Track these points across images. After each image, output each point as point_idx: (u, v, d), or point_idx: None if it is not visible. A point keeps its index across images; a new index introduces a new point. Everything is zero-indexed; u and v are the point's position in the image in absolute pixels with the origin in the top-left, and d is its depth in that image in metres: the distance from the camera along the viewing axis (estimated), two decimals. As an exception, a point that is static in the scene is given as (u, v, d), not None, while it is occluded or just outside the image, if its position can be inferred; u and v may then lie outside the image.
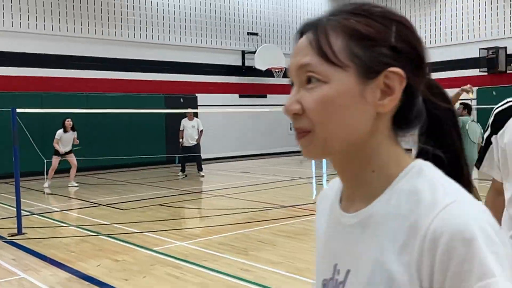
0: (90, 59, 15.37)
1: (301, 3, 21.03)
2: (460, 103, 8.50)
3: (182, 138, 13.19)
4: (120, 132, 15.38)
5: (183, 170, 13.37)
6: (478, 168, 2.11)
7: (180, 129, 13.32)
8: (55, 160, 11.44)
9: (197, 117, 14.05)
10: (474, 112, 17.36)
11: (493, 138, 1.97)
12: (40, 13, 14.49)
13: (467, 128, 7.85)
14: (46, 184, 11.26)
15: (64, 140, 11.56)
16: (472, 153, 7.87)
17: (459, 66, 18.87)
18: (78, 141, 11.69)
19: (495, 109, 1.98)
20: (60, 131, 11.52)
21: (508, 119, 1.90)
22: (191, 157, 13.26)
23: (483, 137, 2.14)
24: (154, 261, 5.48)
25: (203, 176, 13.15)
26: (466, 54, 18.60)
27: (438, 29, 19.58)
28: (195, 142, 13.18)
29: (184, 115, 13.51)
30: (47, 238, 6.70)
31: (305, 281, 4.71)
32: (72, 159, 11.77)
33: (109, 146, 14.89)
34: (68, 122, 11.52)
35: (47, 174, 11.44)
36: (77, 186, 11.71)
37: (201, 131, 13.34)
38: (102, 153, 14.02)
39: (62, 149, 11.52)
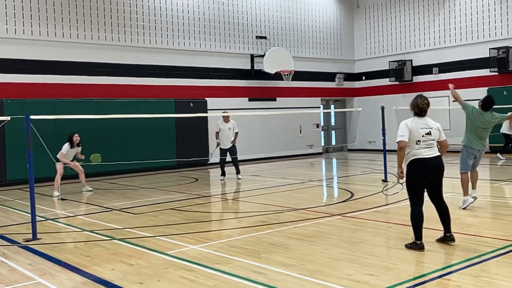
0: (100, 65, 15.54)
1: (310, 6, 21.08)
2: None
3: (218, 138, 13.33)
4: (131, 137, 15.51)
5: (224, 174, 13.47)
6: None
7: (216, 130, 13.47)
8: (60, 166, 11.47)
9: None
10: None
11: None
12: (51, 20, 14.68)
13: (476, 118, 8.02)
14: (56, 193, 11.18)
15: (69, 155, 11.61)
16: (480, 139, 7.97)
17: (469, 66, 18.80)
18: (83, 156, 11.73)
19: None
20: (67, 146, 11.49)
21: None
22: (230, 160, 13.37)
23: None
24: (167, 264, 5.54)
25: (240, 179, 13.23)
26: (476, 54, 18.53)
27: (448, 29, 19.53)
28: (231, 144, 13.27)
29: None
30: (62, 243, 6.80)
31: (317, 283, 4.75)
32: (77, 166, 11.80)
33: (121, 151, 15.03)
34: (76, 138, 11.52)
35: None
36: (91, 190, 11.81)
37: (237, 133, 13.43)
38: (114, 159, 14.14)
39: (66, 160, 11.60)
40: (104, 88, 15.55)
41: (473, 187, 8.34)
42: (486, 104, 8.21)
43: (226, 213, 9.28)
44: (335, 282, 4.74)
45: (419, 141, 5.76)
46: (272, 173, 15.04)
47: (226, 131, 13.26)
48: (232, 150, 13.32)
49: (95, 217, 8.85)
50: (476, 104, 8.59)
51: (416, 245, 5.73)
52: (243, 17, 19.03)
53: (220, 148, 13.38)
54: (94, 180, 13.86)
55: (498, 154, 16.10)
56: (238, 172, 13.46)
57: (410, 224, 5.86)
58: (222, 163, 13.50)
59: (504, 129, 15.79)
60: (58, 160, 11.47)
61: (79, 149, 11.71)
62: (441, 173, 5.86)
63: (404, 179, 5.83)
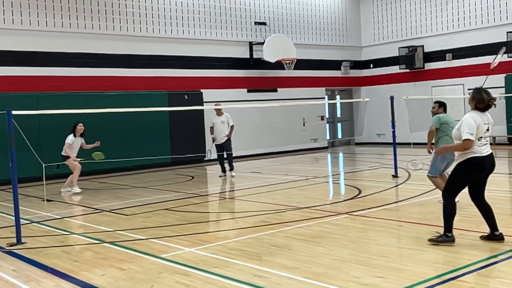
0: (87, 55, 15.53)
1: (312, -11, 21.01)
2: (435, 102, 8.82)
3: (213, 134, 13.44)
4: (121, 133, 15.51)
5: (223, 170, 13.61)
6: None
7: (210, 126, 13.66)
8: (73, 161, 11.62)
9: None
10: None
11: None
12: (33, 8, 14.66)
13: (449, 122, 8.25)
14: (76, 189, 11.55)
15: (74, 146, 11.72)
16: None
17: (485, 51, 18.74)
18: (90, 146, 11.87)
19: None
20: (71, 136, 11.68)
21: None
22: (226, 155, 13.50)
23: None
24: (162, 269, 5.55)
25: (233, 176, 13.34)
26: (493, 38, 18.48)
27: (461, 12, 19.48)
28: (226, 138, 13.34)
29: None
30: (48, 247, 6.81)
31: (323, 286, 4.76)
32: (76, 165, 11.85)
33: (111, 148, 15.00)
34: (80, 127, 11.69)
35: (45, 180, 11.50)
36: (78, 191, 11.77)
37: (232, 126, 13.49)
38: (104, 156, 14.13)
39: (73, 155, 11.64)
40: (92, 80, 15.54)
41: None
42: (445, 105, 8.67)
43: (224, 213, 9.29)
44: (342, 285, 4.75)
45: (481, 137, 5.78)
46: (273, 169, 15.05)
47: (219, 125, 13.35)
48: (227, 145, 13.39)
49: (84, 219, 8.87)
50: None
51: (448, 237, 5.86)
52: (241, 2, 18.99)
53: (215, 144, 13.47)
54: (82, 179, 13.87)
55: None
56: (231, 169, 13.55)
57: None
58: (220, 159, 13.61)
59: None
60: (65, 158, 11.60)
61: (83, 139, 11.88)
62: (492, 171, 6.01)
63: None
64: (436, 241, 5.91)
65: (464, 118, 5.79)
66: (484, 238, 6.04)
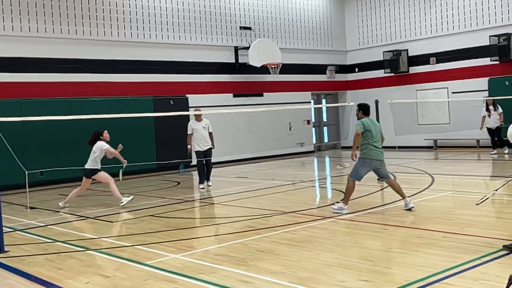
0: (71, 61, 15.45)
1: (297, -6, 21.13)
2: (357, 106, 8.84)
3: (190, 144, 12.56)
4: (106, 139, 15.39)
5: (202, 181, 12.64)
6: None
7: (188, 133, 12.60)
8: (104, 173, 10.48)
9: (187, 120, 13.89)
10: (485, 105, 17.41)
11: None
12: (15, 13, 14.56)
13: (370, 127, 8.30)
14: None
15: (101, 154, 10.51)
16: (380, 148, 8.32)
17: (469, 55, 19.00)
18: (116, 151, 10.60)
19: None
20: (103, 142, 10.47)
21: None
22: (207, 164, 12.63)
23: None
24: (147, 275, 5.54)
25: (210, 186, 12.67)
26: (476, 42, 18.73)
27: (445, 16, 19.70)
28: (209, 146, 12.57)
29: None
30: (32, 256, 6.75)
31: (308, 291, 4.78)
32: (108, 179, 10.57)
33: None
34: (107, 135, 10.64)
35: (28, 187, 11.39)
36: (131, 198, 10.63)
37: (211, 133, 12.71)
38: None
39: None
40: (76, 86, 15.45)
41: (403, 197, 8.44)
42: (367, 108, 8.63)
43: (210, 218, 9.29)
44: (327, 289, 4.77)
45: None
46: (260, 174, 15.06)
47: (201, 130, 12.50)
48: (210, 152, 12.64)
49: (68, 226, 8.80)
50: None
51: None
52: (226, 7, 19.03)
53: (197, 151, 12.49)
54: (65, 186, 13.77)
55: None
56: (208, 179, 12.77)
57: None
58: (201, 169, 12.59)
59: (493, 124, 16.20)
60: (94, 171, 10.33)
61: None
62: None
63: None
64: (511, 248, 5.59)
65: None
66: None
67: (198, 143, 12.52)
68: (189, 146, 12.63)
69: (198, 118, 12.63)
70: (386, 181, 8.56)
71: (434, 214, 7.98)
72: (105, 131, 10.76)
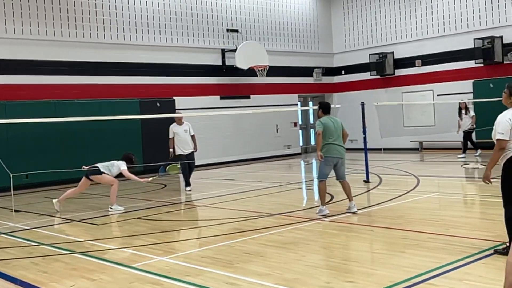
0: (56, 63, 15.35)
1: (283, -4, 21.20)
2: (318, 103, 8.98)
3: (173, 147, 12.51)
4: (92, 142, 15.33)
5: (188, 184, 12.62)
6: None
7: (170, 136, 12.55)
8: (86, 183, 10.33)
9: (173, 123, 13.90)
10: (471, 107, 17.64)
11: None
12: (0, 15, 14.43)
13: (329, 125, 8.44)
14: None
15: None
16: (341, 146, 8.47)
17: (454, 58, 19.18)
18: (132, 176, 10.30)
19: None
20: (126, 164, 10.37)
21: None
22: (190, 167, 12.57)
23: None
24: (133, 278, 5.52)
25: (190, 191, 12.50)
26: (460, 45, 18.92)
27: (430, 19, 19.88)
28: (191, 149, 12.54)
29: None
30: (16, 259, 6.70)
31: (294, 292, 4.80)
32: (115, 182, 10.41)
33: (81, 157, 14.83)
34: (135, 160, 10.69)
35: (13, 190, 11.31)
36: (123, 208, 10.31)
37: (193, 136, 12.70)
38: (73, 165, 13.96)
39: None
40: (61, 88, 15.35)
41: (350, 199, 8.54)
42: (327, 107, 8.79)
43: (196, 221, 9.28)
44: (313, 291, 4.80)
45: None
46: (247, 176, 15.08)
47: (183, 134, 12.47)
48: (192, 155, 12.59)
49: (53, 229, 8.75)
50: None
51: None
52: (213, 9, 19.04)
53: (179, 155, 12.40)
54: (50, 189, 13.68)
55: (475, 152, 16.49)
56: (188, 184, 12.61)
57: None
58: (185, 172, 12.55)
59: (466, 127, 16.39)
60: (99, 172, 10.16)
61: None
62: None
63: None
64: (501, 252, 5.53)
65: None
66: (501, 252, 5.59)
67: (180, 147, 12.48)
68: (171, 150, 12.58)
69: (179, 121, 12.60)
70: (340, 182, 8.59)
71: (419, 216, 8.05)
72: (135, 158, 10.78)
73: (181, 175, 13.09)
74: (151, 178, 10.66)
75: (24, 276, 5.83)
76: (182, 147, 12.46)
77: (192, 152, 12.61)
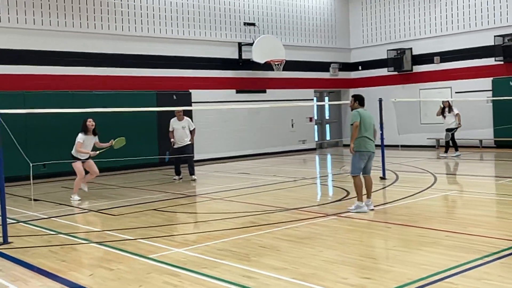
0: (75, 54, 15.46)
1: (302, -10, 21.10)
2: (352, 96, 8.91)
3: (173, 138, 13.28)
4: (108, 132, 15.38)
5: (178, 173, 13.45)
6: None
7: (170, 130, 13.36)
8: (79, 165, 10.70)
9: (190, 116, 14.00)
10: (489, 105, 17.49)
11: None
12: (20, 6, 14.56)
13: (365, 118, 8.29)
14: (76, 198, 10.50)
15: (86, 144, 10.73)
16: (373, 140, 8.29)
17: (473, 55, 18.97)
18: (106, 145, 10.90)
19: None
20: (81, 134, 10.69)
21: None
22: (183, 159, 13.30)
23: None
24: (150, 269, 5.57)
25: (195, 180, 13.14)
26: (480, 42, 18.70)
27: (450, 15, 19.67)
28: (186, 143, 13.21)
29: (172, 114, 13.43)
30: (35, 247, 6.79)
31: (310, 287, 4.80)
32: (92, 165, 10.94)
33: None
34: (90, 123, 10.70)
35: (32, 179, 11.40)
36: (79, 199, 10.61)
37: (193, 130, 13.40)
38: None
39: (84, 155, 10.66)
40: (79, 79, 15.47)
41: (368, 196, 8.43)
42: (363, 99, 8.68)
43: (212, 213, 9.31)
44: (330, 286, 4.80)
45: None
46: (262, 170, 15.09)
47: (180, 130, 13.19)
48: (188, 148, 13.22)
49: (71, 219, 8.84)
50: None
51: None
52: (230, 2, 19.02)
53: (174, 148, 13.24)
54: (68, 179, 13.81)
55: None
56: (192, 173, 13.30)
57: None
58: (177, 163, 13.42)
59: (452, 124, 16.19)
60: (74, 158, 10.67)
61: (96, 138, 10.88)
62: None
63: None
64: None
65: None
66: None
67: (175, 141, 13.28)
68: (172, 140, 13.33)
69: (179, 117, 13.31)
70: (365, 176, 8.46)
71: (436, 213, 8.00)
72: (89, 120, 10.82)
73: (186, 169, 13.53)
74: (98, 152, 10.91)
75: (42, 264, 5.90)
76: (177, 140, 13.24)
77: (188, 145, 13.26)
